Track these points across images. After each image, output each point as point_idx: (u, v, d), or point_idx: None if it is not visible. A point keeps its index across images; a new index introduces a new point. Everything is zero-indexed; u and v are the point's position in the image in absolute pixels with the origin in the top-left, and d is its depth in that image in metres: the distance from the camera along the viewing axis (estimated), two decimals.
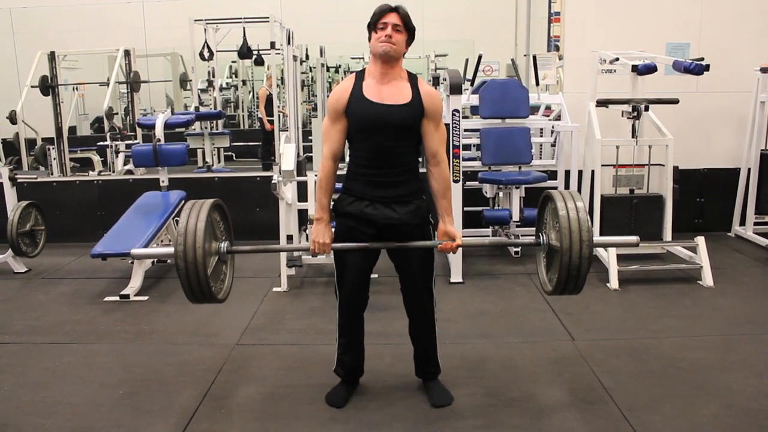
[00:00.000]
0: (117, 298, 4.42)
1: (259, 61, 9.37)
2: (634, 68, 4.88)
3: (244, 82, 11.18)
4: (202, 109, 8.79)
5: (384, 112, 2.58)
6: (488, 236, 5.49)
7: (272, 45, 6.41)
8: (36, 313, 4.24)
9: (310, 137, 7.50)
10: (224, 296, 2.64)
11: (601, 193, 4.89)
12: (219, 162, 8.79)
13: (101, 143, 7.95)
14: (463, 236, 4.43)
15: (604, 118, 5.04)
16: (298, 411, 2.86)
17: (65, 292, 4.66)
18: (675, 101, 4.76)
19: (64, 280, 4.97)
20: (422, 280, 2.77)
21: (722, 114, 5.72)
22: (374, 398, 2.93)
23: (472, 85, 6.06)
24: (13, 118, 7.75)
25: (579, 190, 5.21)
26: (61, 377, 3.26)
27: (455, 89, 4.48)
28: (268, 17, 7.69)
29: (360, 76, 2.67)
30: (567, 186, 5.34)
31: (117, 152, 7.56)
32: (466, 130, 5.41)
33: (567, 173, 5.37)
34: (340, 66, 10.99)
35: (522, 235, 5.17)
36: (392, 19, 2.56)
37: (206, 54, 8.62)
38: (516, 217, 5.11)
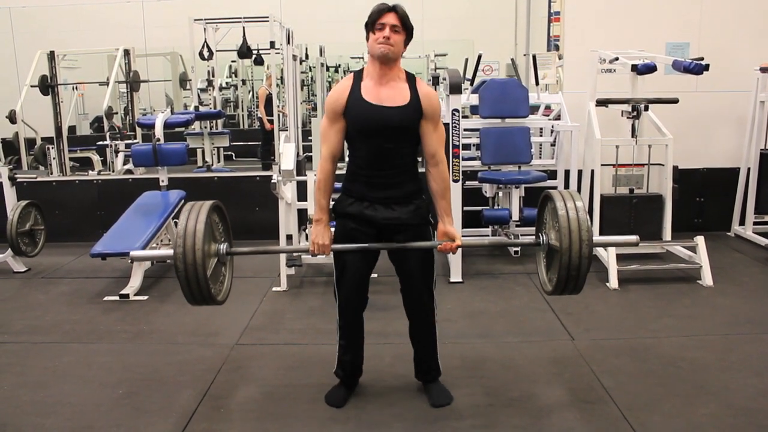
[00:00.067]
0: (116, 298, 4.42)
1: (259, 61, 9.36)
2: (634, 68, 4.88)
3: (243, 82, 11.18)
4: (202, 109, 8.78)
5: (382, 115, 2.57)
6: (488, 236, 5.49)
7: (272, 44, 6.41)
8: (35, 313, 4.24)
9: (309, 137, 7.49)
10: (223, 298, 2.64)
11: (601, 192, 4.89)
12: (219, 162, 8.78)
13: (101, 143, 7.94)
14: (462, 236, 4.42)
15: (603, 117, 5.04)
16: (298, 411, 2.86)
17: (65, 292, 4.66)
18: (675, 101, 4.76)
19: (63, 280, 4.96)
20: (422, 280, 2.77)
21: (722, 113, 5.72)
22: (374, 398, 2.93)
23: (471, 84, 6.06)
24: (12, 118, 7.74)
25: (579, 189, 5.21)
26: (60, 377, 3.26)
27: (455, 89, 4.48)
28: (267, 17, 7.68)
29: (358, 76, 2.65)
30: (567, 186, 5.34)
31: (116, 152, 7.56)
32: (465, 130, 5.41)
33: (567, 173, 5.36)
34: (339, 65, 10.99)
35: (522, 235, 5.17)
36: (390, 19, 2.54)
37: (206, 53, 8.62)
38: (516, 216, 5.11)
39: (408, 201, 2.69)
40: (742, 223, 5.68)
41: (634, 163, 4.93)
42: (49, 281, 4.96)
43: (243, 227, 5.31)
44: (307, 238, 4.97)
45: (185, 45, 8.76)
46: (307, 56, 9.11)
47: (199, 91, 9.27)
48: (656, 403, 2.84)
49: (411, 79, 2.66)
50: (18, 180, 5.34)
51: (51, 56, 7.31)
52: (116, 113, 9.10)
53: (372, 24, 2.57)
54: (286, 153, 4.47)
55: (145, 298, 4.44)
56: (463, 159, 4.99)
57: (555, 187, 5.37)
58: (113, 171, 7.46)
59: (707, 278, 4.42)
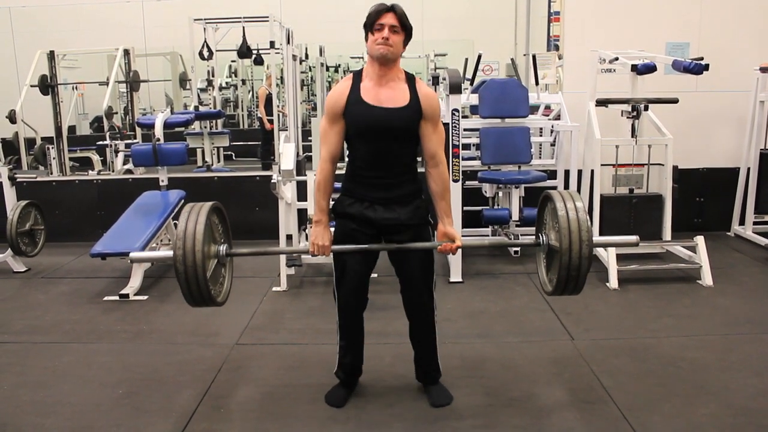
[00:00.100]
0: (116, 298, 4.42)
1: (259, 61, 9.36)
2: (634, 68, 4.88)
3: (243, 82, 11.17)
4: (202, 109, 8.78)
5: (382, 117, 2.56)
6: (488, 236, 5.50)
7: (272, 44, 6.41)
8: (35, 313, 4.24)
9: (309, 137, 7.49)
10: (223, 299, 2.63)
11: (601, 192, 4.89)
12: (218, 161, 8.78)
13: (101, 143, 7.95)
14: (462, 236, 4.42)
15: (603, 117, 5.04)
16: (298, 411, 2.86)
17: (65, 292, 4.66)
18: (674, 101, 4.76)
19: (63, 280, 4.96)
20: (422, 281, 2.76)
21: (722, 113, 5.72)
22: (374, 398, 2.93)
23: (471, 84, 6.06)
24: (12, 118, 7.74)
25: (578, 189, 5.21)
26: (60, 377, 3.26)
27: (455, 89, 4.48)
28: (267, 17, 7.68)
29: (357, 77, 2.64)
30: (566, 185, 5.34)
31: (116, 152, 7.56)
32: (465, 130, 5.41)
33: (566, 173, 5.36)
34: (339, 65, 10.98)
35: (522, 235, 5.17)
36: (389, 19, 2.53)
37: (206, 53, 8.62)
38: (515, 216, 5.11)
39: (408, 201, 2.68)
40: (742, 223, 5.68)
41: (634, 163, 4.93)
42: (49, 281, 4.96)
43: (243, 227, 5.31)
44: (307, 238, 4.97)
45: (185, 45, 8.76)
46: (307, 56, 9.11)
47: (199, 91, 9.27)
48: (656, 403, 2.85)
49: (410, 79, 2.65)
50: (18, 180, 5.34)
51: (51, 56, 7.31)
52: (116, 113, 9.11)
53: (370, 24, 2.55)
54: (286, 153, 4.47)
55: (145, 298, 4.44)
56: (463, 159, 4.99)
57: (555, 187, 5.37)
58: (113, 171, 7.47)
59: (707, 278, 4.42)
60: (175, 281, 2.41)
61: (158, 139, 5.53)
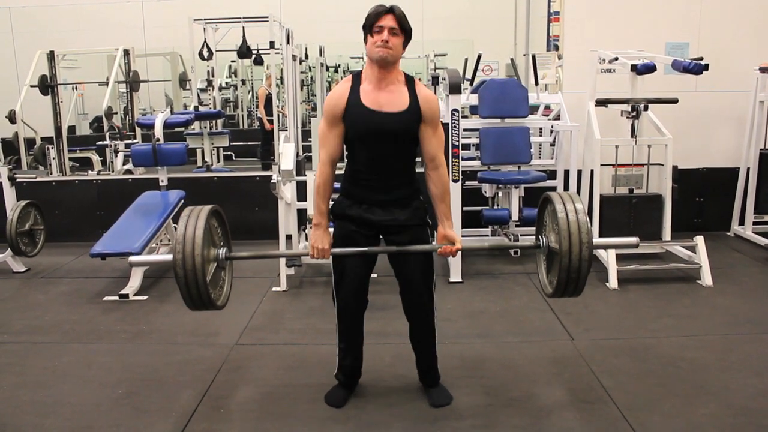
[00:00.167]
0: (116, 298, 4.42)
1: (259, 61, 9.37)
2: (634, 68, 4.88)
3: (243, 82, 11.18)
4: (202, 109, 8.79)
5: (382, 122, 2.55)
6: (488, 236, 5.50)
7: (271, 44, 6.41)
8: (35, 313, 4.24)
9: (309, 137, 7.50)
10: (223, 303, 2.63)
11: (601, 192, 4.89)
12: (218, 162, 8.79)
13: (100, 143, 7.94)
14: (462, 236, 4.42)
15: (603, 117, 5.04)
16: (297, 411, 2.86)
17: (64, 292, 4.66)
18: (674, 101, 4.76)
19: (63, 280, 4.96)
20: (422, 282, 2.76)
21: (721, 113, 5.72)
22: (374, 398, 2.93)
23: (471, 84, 6.06)
24: (12, 118, 7.74)
25: (578, 189, 5.21)
26: (60, 377, 3.26)
27: (454, 89, 4.48)
28: (267, 17, 7.69)
29: (356, 79, 2.62)
30: (566, 185, 5.33)
31: (116, 152, 7.56)
32: (465, 130, 5.41)
33: (566, 173, 5.36)
34: (339, 65, 10.99)
35: (521, 235, 5.16)
36: (388, 22, 2.50)
37: (205, 53, 8.62)
38: (515, 216, 5.11)
39: (407, 203, 2.69)
40: (741, 222, 5.68)
41: (634, 163, 4.93)
42: (49, 281, 4.96)
43: (243, 227, 5.32)
44: (306, 238, 4.97)
45: (185, 45, 8.76)
46: (306, 56, 9.11)
47: (199, 91, 9.27)
48: (656, 403, 2.85)
49: (410, 81, 2.63)
50: (17, 180, 5.34)
51: (51, 56, 7.31)
52: (116, 113, 9.11)
53: (370, 27, 2.52)
54: (286, 153, 4.47)
55: (145, 298, 4.44)
56: (463, 159, 4.99)
57: (555, 188, 5.37)
58: (113, 171, 7.46)
59: (707, 278, 4.42)
60: (174, 281, 2.40)
61: (158, 140, 5.54)
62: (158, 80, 10.24)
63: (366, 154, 2.62)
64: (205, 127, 8.50)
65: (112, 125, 8.24)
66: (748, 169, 5.56)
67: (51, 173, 7.03)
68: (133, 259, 2.70)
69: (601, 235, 4.75)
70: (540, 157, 6.05)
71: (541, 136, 5.91)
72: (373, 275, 2.91)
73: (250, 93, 11.13)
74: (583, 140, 5.28)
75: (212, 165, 8.19)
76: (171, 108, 8.43)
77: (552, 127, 5.60)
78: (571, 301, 3.84)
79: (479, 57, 5.82)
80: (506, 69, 8.44)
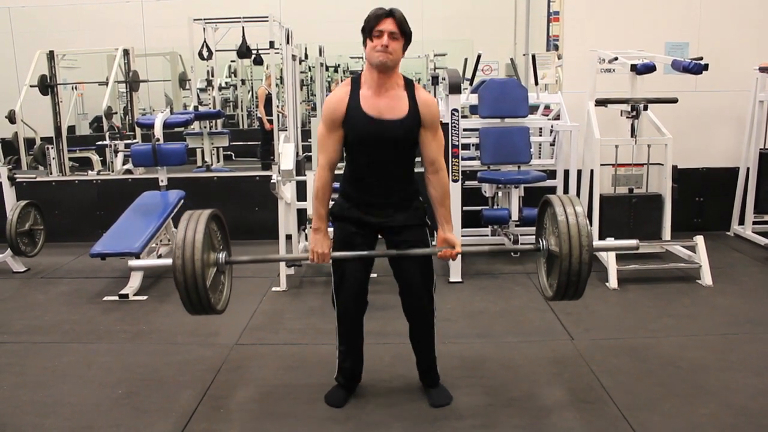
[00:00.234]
0: (116, 298, 4.42)
1: (258, 61, 9.36)
2: (633, 67, 4.88)
3: (243, 82, 11.18)
4: (201, 109, 8.78)
5: (382, 129, 2.54)
6: (487, 235, 5.50)
7: (271, 44, 6.41)
8: (35, 313, 4.24)
9: (309, 137, 7.50)
10: (223, 307, 2.62)
11: (600, 192, 4.89)
12: (218, 161, 8.78)
13: (100, 143, 7.94)
14: (462, 236, 4.42)
15: (603, 117, 5.04)
16: (297, 411, 2.86)
17: (64, 292, 4.66)
18: (674, 100, 4.76)
19: (63, 280, 4.96)
20: (422, 284, 2.75)
21: (721, 113, 5.72)
22: (373, 398, 2.93)
23: (471, 84, 6.06)
24: (12, 118, 7.74)
25: (578, 189, 5.21)
26: (60, 377, 3.26)
27: (454, 89, 4.48)
28: (267, 17, 7.69)
29: (356, 83, 2.60)
30: (566, 185, 5.33)
31: (116, 152, 7.55)
32: (465, 130, 5.41)
33: (566, 173, 5.36)
34: (339, 65, 10.99)
35: (521, 235, 5.16)
36: (388, 25, 2.47)
37: (205, 53, 8.62)
38: (515, 216, 5.10)
39: (406, 204, 2.69)
40: (741, 222, 5.68)
41: (634, 163, 4.93)
42: (49, 281, 4.96)
43: (243, 227, 5.33)
44: (306, 238, 4.97)
45: (185, 45, 8.76)
46: (306, 56, 9.11)
47: (199, 91, 9.27)
48: (656, 402, 2.85)
49: (409, 85, 2.61)
50: (17, 180, 5.34)
51: (50, 56, 7.31)
52: (116, 113, 9.10)
53: (369, 31, 2.50)
54: (286, 153, 4.47)
55: (145, 298, 4.44)
56: (463, 159, 4.99)
57: (554, 187, 5.37)
58: (113, 171, 7.46)
59: (707, 278, 4.42)
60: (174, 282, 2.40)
61: (158, 139, 5.53)
62: (158, 80, 10.24)
63: (366, 158, 2.61)
64: (205, 127, 8.50)
65: (111, 125, 8.24)
66: (748, 168, 5.56)
67: (51, 173, 7.03)
68: (132, 263, 2.71)
69: (600, 235, 4.75)
70: (540, 157, 6.05)
71: (540, 135, 5.91)
72: (373, 275, 2.92)
73: (250, 93, 11.14)
74: (582, 140, 5.28)
75: (212, 165, 8.19)
76: (171, 108, 8.42)
77: (552, 126, 5.60)
78: (571, 301, 3.84)
79: (479, 57, 5.82)
80: (506, 69, 8.44)
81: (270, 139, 6.85)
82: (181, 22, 8.60)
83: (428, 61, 9.66)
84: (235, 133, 9.56)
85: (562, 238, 2.39)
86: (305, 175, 4.75)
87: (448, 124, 4.40)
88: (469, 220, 5.29)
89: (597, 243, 2.51)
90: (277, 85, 8.64)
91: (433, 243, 2.78)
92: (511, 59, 7.48)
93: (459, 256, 4.51)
